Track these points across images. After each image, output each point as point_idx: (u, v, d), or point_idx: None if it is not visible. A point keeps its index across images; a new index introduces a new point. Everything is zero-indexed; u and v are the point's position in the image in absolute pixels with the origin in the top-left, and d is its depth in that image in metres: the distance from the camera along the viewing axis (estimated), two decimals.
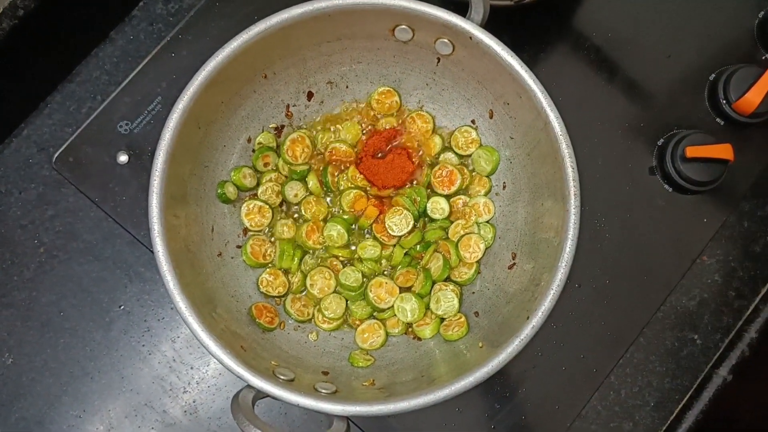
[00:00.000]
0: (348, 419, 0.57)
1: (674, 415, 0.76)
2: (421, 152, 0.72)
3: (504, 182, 0.71)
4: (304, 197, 0.71)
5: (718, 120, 0.79)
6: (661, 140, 0.79)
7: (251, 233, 0.70)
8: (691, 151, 0.74)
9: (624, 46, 0.81)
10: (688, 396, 0.76)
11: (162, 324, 0.75)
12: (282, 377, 0.58)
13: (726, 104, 0.78)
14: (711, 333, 0.77)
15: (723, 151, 0.74)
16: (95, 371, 0.73)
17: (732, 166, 0.76)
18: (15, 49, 0.72)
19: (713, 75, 0.80)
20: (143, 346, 0.74)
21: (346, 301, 0.69)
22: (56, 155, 0.76)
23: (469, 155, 0.72)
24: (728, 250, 0.79)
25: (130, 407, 0.73)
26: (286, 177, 0.72)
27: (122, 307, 0.75)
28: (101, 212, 0.76)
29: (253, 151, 0.71)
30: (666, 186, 0.78)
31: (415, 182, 0.72)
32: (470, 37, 0.61)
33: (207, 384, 0.73)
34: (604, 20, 0.81)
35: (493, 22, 0.63)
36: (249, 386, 0.55)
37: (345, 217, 0.70)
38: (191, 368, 0.74)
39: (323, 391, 0.58)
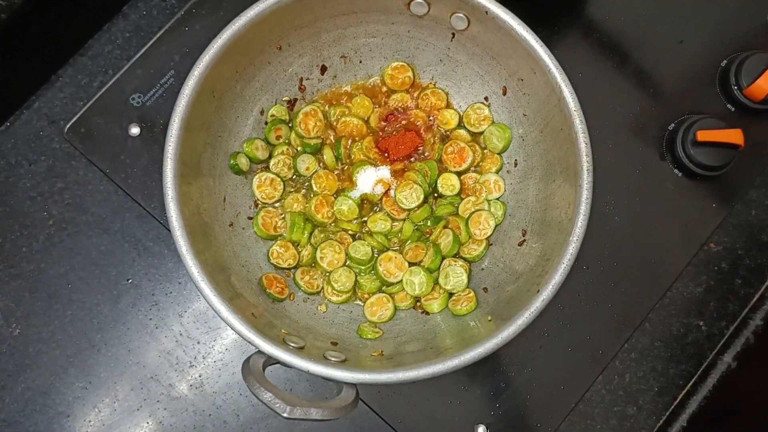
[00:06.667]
0: (357, 388, 0.57)
1: (678, 400, 0.76)
2: (431, 124, 0.73)
3: (516, 160, 0.71)
4: (316, 171, 0.71)
5: (728, 106, 0.79)
6: (672, 125, 0.79)
7: (262, 205, 0.70)
8: (702, 135, 0.74)
9: (636, 31, 0.81)
10: (692, 382, 0.76)
11: (170, 298, 0.75)
12: (292, 344, 0.58)
13: (737, 90, 0.78)
14: (716, 320, 0.77)
15: (734, 135, 0.74)
16: (102, 344, 0.73)
17: (741, 153, 0.76)
18: (28, 22, 0.72)
19: (725, 61, 0.80)
20: (150, 319, 0.74)
21: (356, 274, 0.70)
22: (68, 126, 0.76)
23: (481, 132, 0.72)
24: (735, 237, 0.79)
25: (136, 380, 0.73)
26: (297, 150, 0.72)
27: (130, 281, 0.75)
28: (111, 186, 0.76)
29: (266, 123, 0.71)
30: (676, 171, 0.78)
31: (426, 156, 0.72)
32: (486, 12, 0.61)
33: (213, 359, 0.74)
34: (616, 4, 0.81)
35: (507, 4, 0.63)
36: (260, 352, 0.55)
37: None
38: (198, 343, 0.74)
39: (333, 359, 0.58)
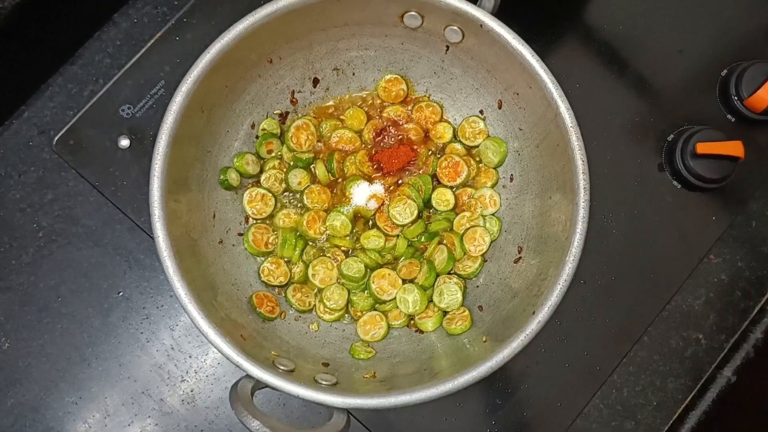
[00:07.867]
0: (348, 411, 0.56)
1: (677, 415, 0.75)
2: (426, 138, 0.72)
3: (511, 174, 0.70)
4: (308, 186, 0.70)
5: (728, 117, 0.78)
6: (671, 136, 0.78)
7: (253, 221, 0.70)
8: (702, 147, 0.73)
9: (635, 40, 0.80)
10: (691, 396, 0.75)
11: (161, 312, 0.74)
12: (282, 367, 0.57)
13: (737, 101, 0.77)
14: (716, 333, 0.76)
15: (734, 147, 0.73)
16: (93, 358, 0.73)
17: (742, 164, 0.75)
18: (17, 30, 0.71)
19: (725, 71, 0.79)
20: (142, 333, 0.73)
21: (348, 291, 0.69)
22: (57, 138, 0.75)
23: (476, 146, 0.71)
24: (735, 249, 0.78)
25: (127, 395, 0.72)
26: (289, 164, 0.71)
27: (121, 294, 0.74)
28: (101, 197, 0.75)
29: (257, 137, 0.70)
30: (675, 183, 0.77)
31: (420, 171, 0.71)
32: (481, 25, 0.60)
33: (205, 373, 0.73)
34: (615, 13, 0.80)
35: (504, 12, 0.62)
36: (248, 376, 0.55)
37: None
38: (190, 357, 0.73)
39: (324, 382, 0.57)
